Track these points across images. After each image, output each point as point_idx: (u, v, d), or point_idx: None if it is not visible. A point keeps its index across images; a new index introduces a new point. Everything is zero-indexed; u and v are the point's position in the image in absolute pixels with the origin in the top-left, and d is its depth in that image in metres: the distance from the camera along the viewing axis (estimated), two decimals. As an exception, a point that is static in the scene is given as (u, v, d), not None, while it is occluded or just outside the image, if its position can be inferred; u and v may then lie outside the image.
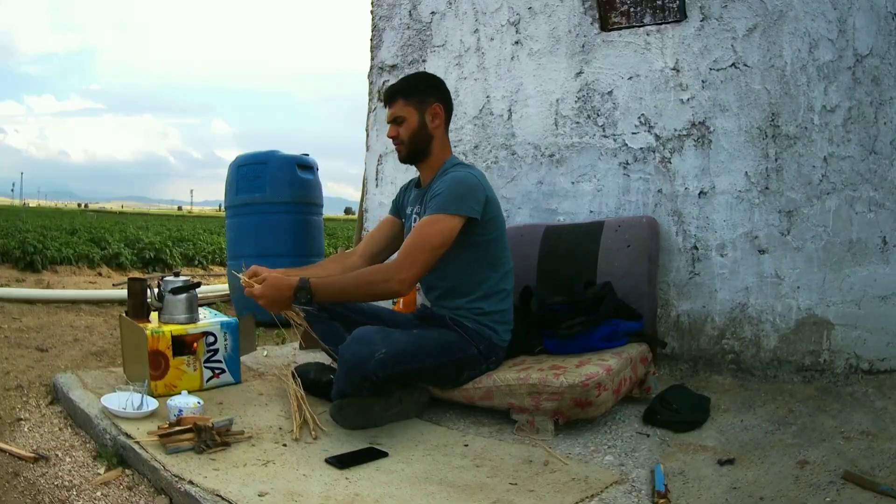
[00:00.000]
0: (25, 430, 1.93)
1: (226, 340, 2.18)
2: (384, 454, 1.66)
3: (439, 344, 1.91)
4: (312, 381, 2.10)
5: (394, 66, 3.24)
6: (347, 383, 1.81)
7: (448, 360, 1.90)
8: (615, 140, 2.64)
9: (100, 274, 6.90)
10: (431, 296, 2.13)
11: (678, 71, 2.50)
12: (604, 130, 2.67)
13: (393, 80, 3.21)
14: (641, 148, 2.59)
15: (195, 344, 2.11)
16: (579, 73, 2.72)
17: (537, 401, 1.82)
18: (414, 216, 2.10)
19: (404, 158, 2.11)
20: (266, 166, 3.68)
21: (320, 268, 2.18)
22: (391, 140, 2.10)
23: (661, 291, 2.50)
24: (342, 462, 1.59)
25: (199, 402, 1.79)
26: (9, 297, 4.18)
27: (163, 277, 2.23)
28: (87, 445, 1.81)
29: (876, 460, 1.61)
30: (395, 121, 2.06)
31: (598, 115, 2.68)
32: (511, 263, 2.10)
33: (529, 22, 2.84)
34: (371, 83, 3.34)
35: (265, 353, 2.83)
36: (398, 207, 2.26)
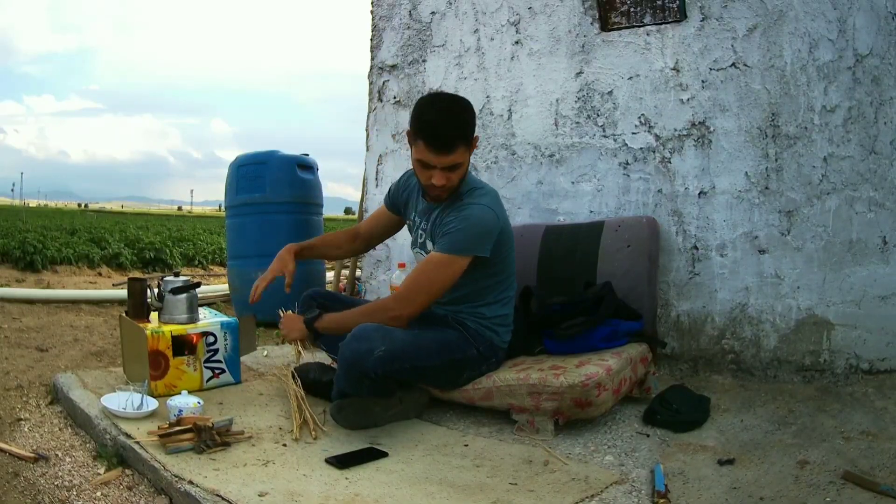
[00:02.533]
0: (25, 430, 1.93)
1: (226, 340, 2.17)
2: (384, 454, 1.66)
3: (439, 343, 1.91)
4: (312, 381, 2.10)
5: (394, 66, 3.24)
6: (347, 381, 1.81)
7: (448, 359, 1.90)
8: (615, 140, 2.64)
9: (100, 274, 6.90)
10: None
11: (678, 71, 2.50)
12: (604, 130, 2.67)
13: (393, 80, 3.21)
14: (641, 148, 2.59)
15: (195, 338, 2.11)
16: (579, 73, 2.72)
17: (537, 401, 1.82)
18: (420, 231, 2.07)
19: (443, 200, 1.94)
20: (266, 166, 3.68)
21: (328, 245, 2.34)
22: (434, 186, 1.86)
23: (661, 291, 2.50)
24: (342, 462, 1.59)
25: (199, 402, 1.79)
26: (9, 297, 4.18)
27: (163, 277, 2.23)
28: (87, 445, 1.81)
29: (876, 460, 1.61)
30: (451, 168, 1.84)
31: (598, 115, 2.68)
32: (514, 268, 2.09)
33: (529, 22, 2.84)
34: (371, 83, 3.33)
35: (265, 353, 2.83)
36: (395, 203, 2.21)
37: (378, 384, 1.81)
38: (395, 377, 1.84)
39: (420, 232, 2.08)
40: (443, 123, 1.82)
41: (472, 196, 1.94)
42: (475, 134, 1.90)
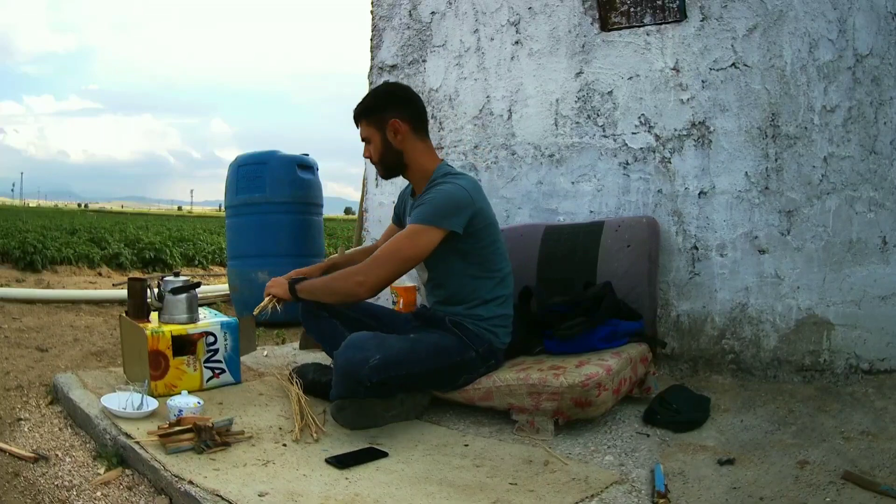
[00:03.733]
0: (25, 430, 1.93)
1: (226, 340, 2.18)
2: (384, 454, 1.66)
3: (436, 349, 1.90)
4: (311, 381, 2.10)
5: (394, 66, 3.24)
6: (342, 388, 1.81)
7: (444, 364, 1.90)
8: (615, 140, 2.64)
9: (100, 274, 6.91)
10: (431, 300, 2.14)
11: (678, 71, 2.50)
12: (604, 130, 2.67)
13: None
14: (641, 148, 2.59)
15: (196, 337, 2.11)
16: (579, 73, 2.72)
17: (537, 401, 1.82)
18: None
19: (383, 176, 2.14)
20: (266, 166, 3.69)
21: (331, 263, 2.29)
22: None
23: (661, 291, 2.50)
24: (342, 462, 1.59)
25: (199, 402, 1.79)
26: (9, 297, 4.18)
27: (163, 277, 2.23)
28: (87, 445, 1.81)
29: (876, 460, 1.61)
30: (364, 140, 2.07)
31: (598, 115, 2.68)
32: (509, 267, 2.09)
33: (529, 22, 2.84)
34: (371, 83, 3.33)
35: (265, 353, 2.83)
36: (399, 216, 2.27)
37: (374, 391, 1.80)
38: (392, 384, 1.83)
39: None
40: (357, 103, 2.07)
41: (445, 178, 1.99)
42: (389, 116, 1.99)
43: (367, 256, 2.15)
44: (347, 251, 2.61)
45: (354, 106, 2.08)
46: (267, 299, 2.05)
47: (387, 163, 2.05)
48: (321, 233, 4.01)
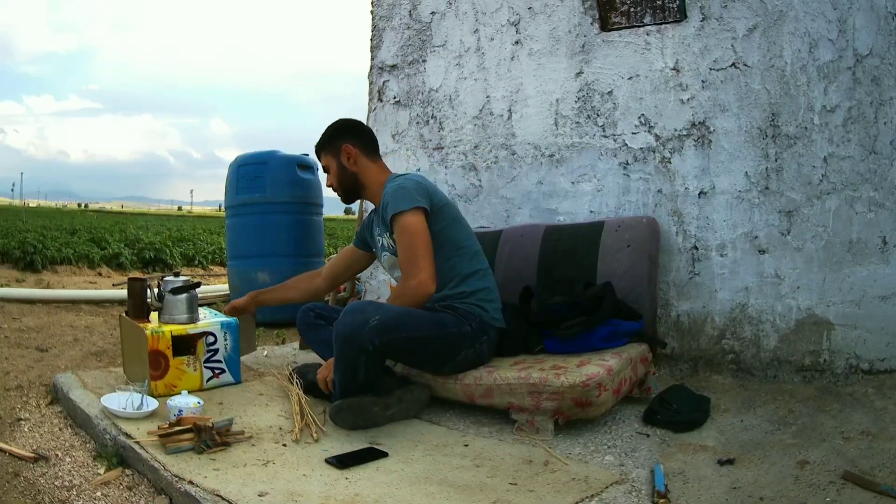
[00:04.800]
0: (25, 430, 1.93)
1: (226, 340, 2.18)
2: (384, 454, 1.66)
3: (433, 318, 1.95)
4: (312, 382, 2.10)
5: (394, 66, 3.24)
6: (343, 360, 1.83)
7: (443, 333, 1.93)
8: (615, 140, 2.64)
9: (100, 274, 6.91)
10: None
11: (678, 71, 2.50)
12: (604, 130, 2.67)
13: (393, 80, 3.23)
14: (641, 148, 2.59)
15: (196, 336, 2.11)
16: (579, 73, 2.72)
17: (537, 400, 1.82)
18: (378, 238, 2.19)
19: (343, 200, 2.27)
20: (266, 166, 3.68)
21: (286, 288, 2.40)
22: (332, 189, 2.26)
23: (661, 291, 2.50)
24: (342, 462, 1.59)
25: (199, 402, 1.79)
26: (9, 297, 4.18)
27: (163, 277, 2.23)
28: (87, 445, 1.81)
29: (876, 460, 1.61)
30: (325, 171, 2.23)
31: (598, 115, 2.68)
32: (478, 246, 2.16)
33: (529, 22, 2.84)
34: (371, 83, 3.34)
35: (265, 353, 2.83)
36: (362, 239, 2.34)
37: (375, 360, 1.83)
38: (392, 350, 1.87)
39: (378, 238, 2.19)
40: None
41: (393, 179, 2.14)
42: (341, 143, 2.18)
43: (311, 281, 2.39)
44: (329, 258, 2.81)
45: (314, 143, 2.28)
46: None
47: (345, 185, 2.21)
48: (321, 233, 4.02)
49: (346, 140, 2.19)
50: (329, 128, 2.28)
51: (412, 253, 1.96)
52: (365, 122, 3.38)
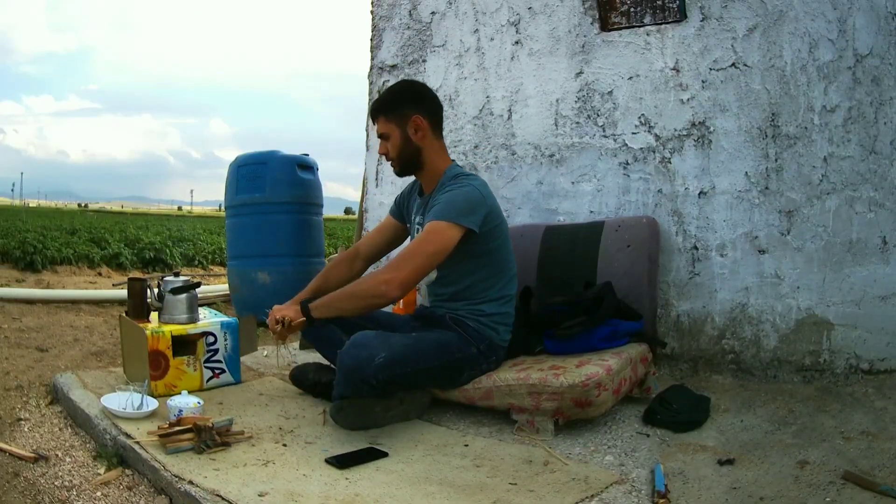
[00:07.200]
0: (25, 430, 1.93)
1: (226, 340, 2.18)
2: (384, 454, 1.66)
3: (438, 345, 1.91)
4: (312, 382, 2.10)
5: (394, 66, 3.24)
6: (347, 387, 1.80)
7: (448, 360, 1.90)
8: (615, 140, 2.64)
9: (100, 274, 6.90)
10: (432, 298, 2.13)
11: (678, 71, 2.50)
12: (604, 130, 2.67)
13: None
14: (641, 148, 2.59)
15: (196, 336, 2.11)
16: (579, 73, 2.72)
17: (537, 401, 1.82)
18: (416, 227, 2.11)
19: (398, 173, 2.11)
20: (266, 166, 3.68)
21: (323, 279, 2.14)
22: (383, 156, 2.10)
23: (661, 291, 2.50)
24: (342, 462, 1.59)
25: (199, 402, 1.79)
26: (9, 297, 4.18)
27: (163, 277, 2.23)
28: (87, 445, 1.81)
29: (876, 460, 1.61)
30: (381, 137, 2.06)
31: (598, 115, 2.68)
32: (514, 268, 2.10)
33: (529, 22, 2.84)
34: (371, 83, 3.33)
35: (265, 353, 2.83)
36: (400, 210, 2.25)
37: (379, 390, 1.80)
38: (396, 384, 1.83)
39: (417, 227, 2.09)
40: (376, 99, 2.11)
41: (457, 180, 2.00)
42: (410, 112, 1.99)
43: (351, 267, 2.17)
44: (330, 259, 2.53)
45: (375, 100, 2.09)
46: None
47: (405, 159, 2.04)
48: (321, 233, 4.01)
49: (418, 111, 2.00)
50: (397, 89, 2.10)
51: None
52: (365, 123, 3.38)
